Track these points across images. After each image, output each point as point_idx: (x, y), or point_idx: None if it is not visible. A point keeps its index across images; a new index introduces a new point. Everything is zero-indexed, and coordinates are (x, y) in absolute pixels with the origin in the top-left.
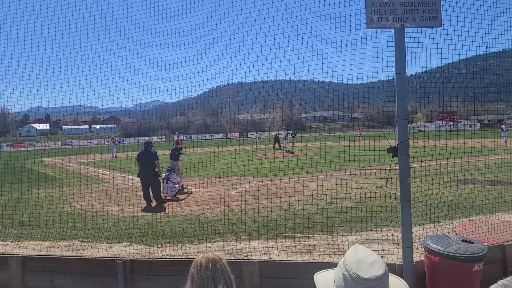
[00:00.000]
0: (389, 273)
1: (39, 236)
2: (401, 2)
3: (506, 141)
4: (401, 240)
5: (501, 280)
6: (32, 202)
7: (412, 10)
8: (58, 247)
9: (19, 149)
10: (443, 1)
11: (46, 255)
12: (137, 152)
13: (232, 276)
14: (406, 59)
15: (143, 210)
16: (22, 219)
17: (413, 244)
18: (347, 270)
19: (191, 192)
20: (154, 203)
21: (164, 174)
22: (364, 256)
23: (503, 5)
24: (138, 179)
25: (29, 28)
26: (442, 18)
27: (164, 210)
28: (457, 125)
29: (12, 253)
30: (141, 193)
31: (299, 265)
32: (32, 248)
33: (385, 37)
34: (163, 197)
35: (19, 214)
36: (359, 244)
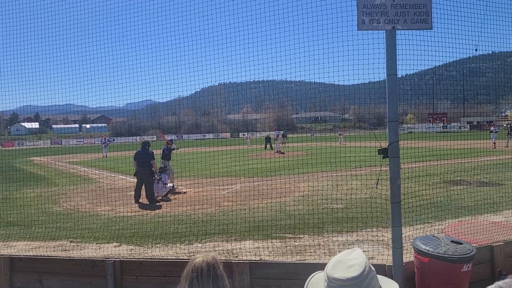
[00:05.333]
0: (383, 276)
1: (28, 236)
2: (392, 4)
3: (494, 143)
4: (391, 241)
5: (497, 282)
6: (21, 202)
7: (404, 12)
8: (47, 248)
9: (7, 148)
10: (434, 4)
11: (34, 256)
12: (134, 151)
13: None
14: (397, 61)
15: (134, 208)
16: (11, 219)
17: (403, 245)
18: (325, 268)
19: (184, 192)
20: (141, 203)
21: (157, 174)
22: (348, 258)
23: (492, 8)
24: (129, 178)
25: (19, 26)
26: (433, 21)
27: (156, 210)
28: (446, 126)
29: (0, 253)
30: (133, 192)
31: (289, 266)
32: (20, 248)
33: (377, 39)
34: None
35: (7, 214)
36: (349, 245)
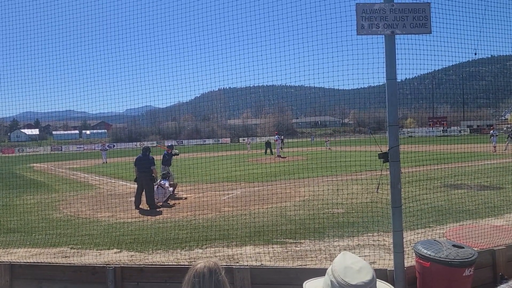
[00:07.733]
0: (377, 279)
1: (28, 243)
2: (391, 9)
3: (495, 147)
4: (392, 246)
5: (501, 285)
6: (21, 209)
7: (402, 17)
8: (47, 254)
9: (8, 154)
10: (433, 8)
11: (35, 262)
12: (135, 157)
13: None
14: (397, 65)
15: (134, 214)
16: (11, 226)
17: (404, 249)
18: (335, 277)
19: (185, 198)
20: (141, 209)
21: (158, 180)
22: (351, 262)
23: (491, 12)
24: (130, 184)
25: (19, 31)
26: (432, 25)
27: (157, 216)
28: (446, 130)
29: (0, 260)
30: (133, 198)
31: (291, 271)
32: (20, 255)
33: (376, 43)
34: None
35: (8, 221)
36: (350, 249)
